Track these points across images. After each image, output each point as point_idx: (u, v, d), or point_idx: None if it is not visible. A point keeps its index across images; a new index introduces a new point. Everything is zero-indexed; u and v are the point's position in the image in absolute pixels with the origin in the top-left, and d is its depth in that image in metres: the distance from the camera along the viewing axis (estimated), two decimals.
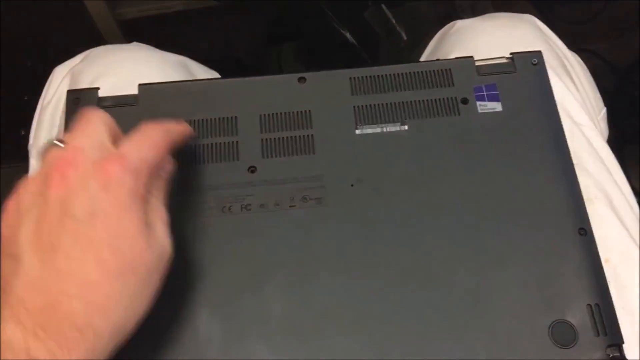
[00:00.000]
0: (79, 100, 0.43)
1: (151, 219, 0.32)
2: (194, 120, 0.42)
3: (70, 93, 0.43)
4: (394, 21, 1.02)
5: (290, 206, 0.40)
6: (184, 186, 0.40)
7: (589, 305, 0.37)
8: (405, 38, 1.02)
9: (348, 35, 0.97)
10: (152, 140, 0.33)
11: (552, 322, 0.37)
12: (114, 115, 0.35)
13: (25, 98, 0.77)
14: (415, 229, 0.39)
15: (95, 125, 0.33)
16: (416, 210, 0.40)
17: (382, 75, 0.44)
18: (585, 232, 0.39)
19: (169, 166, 0.36)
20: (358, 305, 0.37)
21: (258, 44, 0.94)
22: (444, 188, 0.40)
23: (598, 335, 0.37)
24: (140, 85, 0.43)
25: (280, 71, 1.03)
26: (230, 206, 0.40)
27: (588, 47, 1.11)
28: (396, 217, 0.39)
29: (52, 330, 0.27)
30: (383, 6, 0.81)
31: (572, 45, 0.51)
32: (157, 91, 0.43)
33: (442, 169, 0.41)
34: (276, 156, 0.41)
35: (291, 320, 0.37)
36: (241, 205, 0.40)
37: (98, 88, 0.43)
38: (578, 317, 0.37)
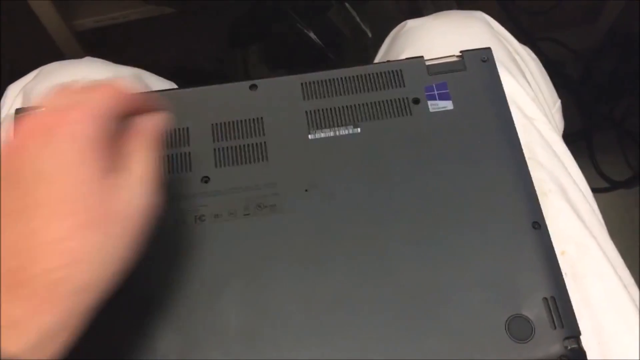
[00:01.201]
0: None
1: (121, 167, 0.31)
2: None
3: (19, 112, 0.43)
4: (358, 19, 1.02)
5: (245, 215, 0.40)
6: None
7: (545, 298, 0.38)
8: (370, 35, 1.02)
9: (312, 35, 0.97)
10: (115, 88, 0.32)
11: (509, 317, 0.37)
12: None
13: None
14: (369, 231, 0.39)
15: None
16: (370, 212, 0.40)
17: (333, 79, 0.44)
18: (539, 226, 0.40)
19: (155, 122, 0.34)
20: (315, 311, 0.37)
21: (220, 48, 0.94)
22: (398, 189, 0.40)
23: (555, 328, 0.37)
24: None
25: (246, 75, 1.03)
26: (185, 218, 0.40)
27: (551, 36, 1.12)
28: (351, 221, 0.40)
29: (26, 291, 0.27)
30: (347, 5, 0.81)
31: (535, 35, 0.50)
32: None
33: (395, 170, 0.41)
34: (229, 165, 0.41)
35: (248, 329, 0.37)
36: (195, 216, 0.40)
37: None
38: (534, 311, 0.37)
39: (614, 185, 0.98)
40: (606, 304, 0.42)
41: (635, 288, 0.44)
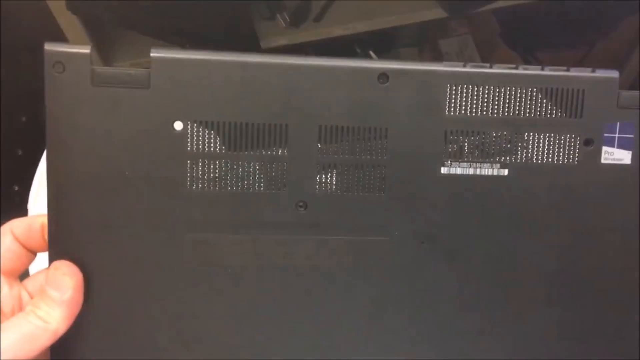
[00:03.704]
0: (63, 67, 0.29)
1: None
2: (223, 123, 0.30)
3: (50, 55, 0.29)
4: None
5: (348, 265, 0.32)
6: (211, 218, 0.31)
7: None
8: None
9: None
10: None
11: None
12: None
13: (20, 153, 0.66)
14: (487, 314, 0.33)
15: None
16: (493, 287, 0.33)
17: (490, 88, 0.31)
18: None
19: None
20: None
21: None
22: (528, 266, 0.33)
23: None
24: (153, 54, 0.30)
25: None
26: (273, 257, 0.32)
27: None
28: (469, 296, 0.33)
29: None
30: (371, 52, 0.63)
31: None
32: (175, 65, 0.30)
33: (535, 239, 0.33)
34: (335, 190, 0.32)
35: None
36: (283, 253, 0.32)
37: (90, 50, 0.30)
38: None
39: None
40: None
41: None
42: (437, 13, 0.61)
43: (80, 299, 0.30)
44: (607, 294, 0.33)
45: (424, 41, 0.73)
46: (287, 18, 0.61)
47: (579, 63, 0.29)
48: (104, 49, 0.62)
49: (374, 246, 0.32)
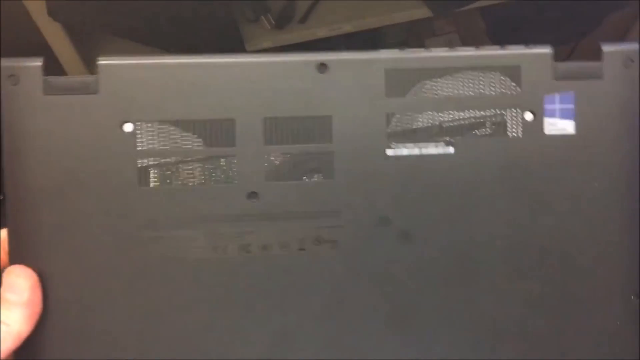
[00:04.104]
0: (17, 79, 0.31)
1: None
2: (171, 122, 0.32)
3: (6, 69, 0.31)
4: None
5: (299, 249, 0.32)
6: (165, 214, 0.32)
7: None
8: None
9: None
10: None
11: None
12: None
13: None
14: (448, 293, 0.33)
15: None
16: (453, 268, 0.33)
17: (425, 70, 0.33)
18: None
19: None
20: None
21: None
22: (486, 243, 0.33)
23: None
24: (100, 61, 0.32)
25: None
26: (225, 246, 0.32)
27: None
28: (428, 276, 0.33)
29: None
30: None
31: None
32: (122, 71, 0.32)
33: (488, 212, 0.33)
34: (284, 179, 0.32)
35: None
36: (239, 244, 0.32)
37: (42, 63, 0.31)
38: None
39: None
40: None
41: None
42: (422, 13, 0.62)
43: (38, 299, 0.31)
44: (564, 262, 0.33)
45: (410, 41, 0.74)
46: (272, 20, 0.62)
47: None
48: (89, 55, 0.61)
49: (328, 232, 0.32)
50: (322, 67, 0.32)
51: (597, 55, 0.34)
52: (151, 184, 0.32)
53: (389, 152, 0.33)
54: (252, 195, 0.32)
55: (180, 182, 0.32)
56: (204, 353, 0.32)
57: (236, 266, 0.32)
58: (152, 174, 0.32)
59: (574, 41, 0.78)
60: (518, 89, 0.33)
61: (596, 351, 0.33)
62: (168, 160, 0.32)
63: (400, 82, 0.33)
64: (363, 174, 0.32)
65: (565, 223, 0.33)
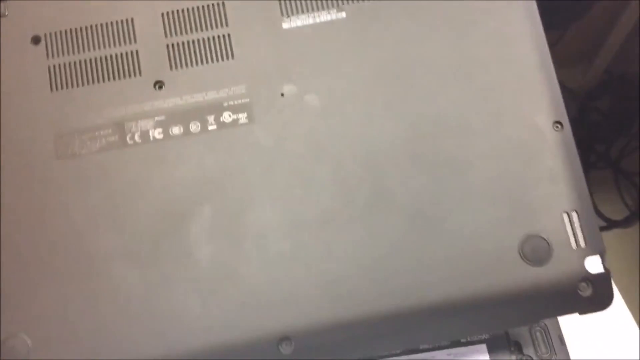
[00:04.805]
0: None
1: None
2: (75, 29, 0.34)
3: None
4: None
5: (210, 127, 0.33)
6: (77, 113, 0.33)
7: (566, 212, 0.32)
8: None
9: None
10: None
11: (523, 237, 0.32)
12: None
13: None
14: (359, 138, 0.33)
15: None
16: (359, 115, 0.33)
17: None
18: (561, 127, 0.33)
19: None
20: (301, 237, 0.32)
21: None
22: (391, 84, 0.33)
23: (576, 246, 0.32)
24: None
25: None
26: (136, 134, 0.33)
27: None
28: (337, 127, 0.33)
29: None
30: None
31: None
32: None
33: (387, 62, 0.34)
34: (187, 65, 0.34)
35: (220, 262, 0.31)
36: (149, 131, 0.33)
37: None
38: (552, 228, 0.32)
39: (610, 224, 0.93)
40: None
41: (636, 328, 0.44)
42: None
43: None
44: None
45: None
46: None
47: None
48: None
49: (235, 107, 0.33)
50: None
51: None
52: (61, 88, 0.33)
53: (285, 25, 0.34)
54: (159, 85, 0.33)
55: (94, 81, 0.33)
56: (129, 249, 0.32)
57: (149, 152, 0.33)
58: (63, 80, 0.33)
59: (563, 27, 0.80)
60: None
61: None
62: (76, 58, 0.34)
63: None
64: (264, 49, 0.34)
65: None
